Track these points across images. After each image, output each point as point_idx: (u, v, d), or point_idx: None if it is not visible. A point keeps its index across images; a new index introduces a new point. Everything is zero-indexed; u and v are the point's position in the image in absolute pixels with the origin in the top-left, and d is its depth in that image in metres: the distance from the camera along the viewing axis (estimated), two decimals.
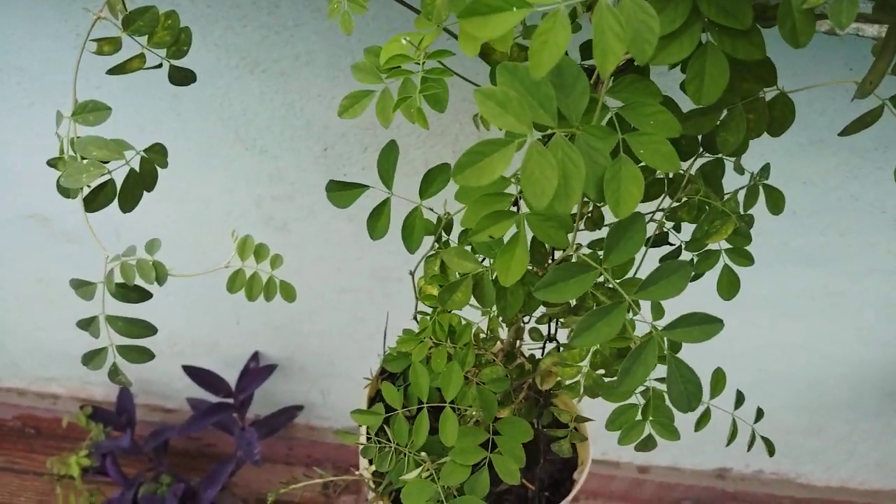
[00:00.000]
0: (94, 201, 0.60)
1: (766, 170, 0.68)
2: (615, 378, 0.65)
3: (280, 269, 0.71)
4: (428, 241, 0.68)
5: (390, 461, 0.71)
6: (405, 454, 0.70)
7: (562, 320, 0.71)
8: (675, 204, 0.64)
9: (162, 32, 0.59)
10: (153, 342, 0.64)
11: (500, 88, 0.37)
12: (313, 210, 1.16)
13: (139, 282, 0.62)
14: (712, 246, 0.65)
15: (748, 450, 0.77)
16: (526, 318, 0.76)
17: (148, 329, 0.65)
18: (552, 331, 0.76)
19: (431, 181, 0.64)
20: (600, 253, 0.52)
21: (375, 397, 0.86)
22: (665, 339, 0.50)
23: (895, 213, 1.08)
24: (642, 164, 0.45)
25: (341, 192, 0.65)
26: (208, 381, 1.47)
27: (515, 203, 0.54)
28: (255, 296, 0.69)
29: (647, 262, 0.63)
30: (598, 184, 0.42)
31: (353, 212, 1.10)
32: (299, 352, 1.48)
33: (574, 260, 0.53)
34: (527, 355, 0.80)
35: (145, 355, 0.66)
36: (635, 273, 0.64)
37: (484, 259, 0.61)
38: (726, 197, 0.65)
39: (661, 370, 0.53)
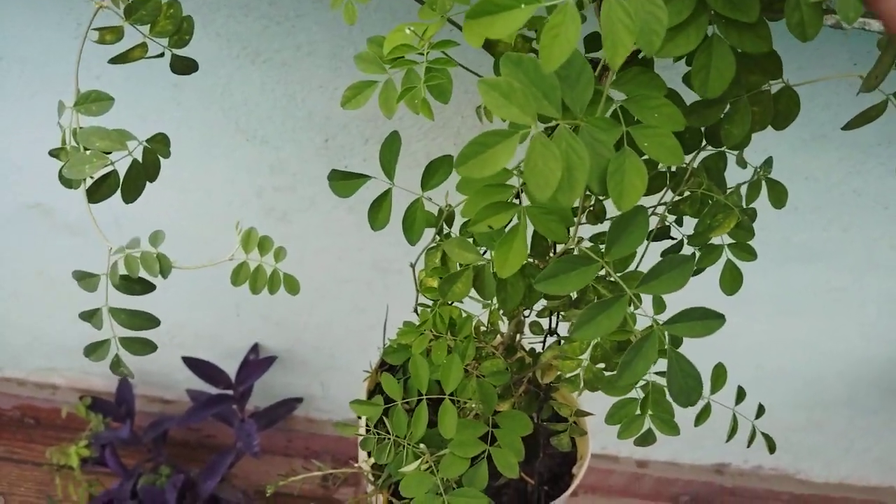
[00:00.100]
0: (97, 192, 0.60)
1: (768, 163, 0.68)
2: (615, 372, 0.65)
3: (282, 262, 0.71)
4: (429, 233, 0.67)
5: (389, 453, 0.71)
6: (404, 446, 0.70)
7: (562, 314, 0.71)
8: (678, 198, 0.64)
9: (164, 21, 0.59)
10: (152, 333, 0.64)
11: (504, 79, 0.37)
12: (314, 201, 1.16)
13: (143, 274, 0.62)
14: (715, 240, 0.65)
15: (748, 446, 0.77)
16: (526, 312, 0.76)
17: (151, 321, 0.65)
18: (553, 324, 0.76)
19: (433, 173, 0.64)
20: (602, 247, 0.52)
21: (375, 390, 0.86)
22: (666, 333, 0.50)
23: None
24: (645, 157, 0.45)
25: (343, 181, 0.65)
26: (208, 372, 1.47)
27: (517, 195, 0.54)
28: (258, 289, 0.69)
29: (649, 256, 0.62)
30: (602, 176, 0.42)
31: (354, 203, 1.09)
32: (299, 344, 1.48)
33: (576, 253, 0.53)
34: (527, 349, 0.80)
35: (148, 347, 0.66)
36: (636, 267, 0.64)
37: (486, 251, 0.61)
38: (729, 191, 0.65)
39: (661, 364, 0.53)
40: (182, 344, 1.49)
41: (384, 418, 0.72)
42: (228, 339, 1.48)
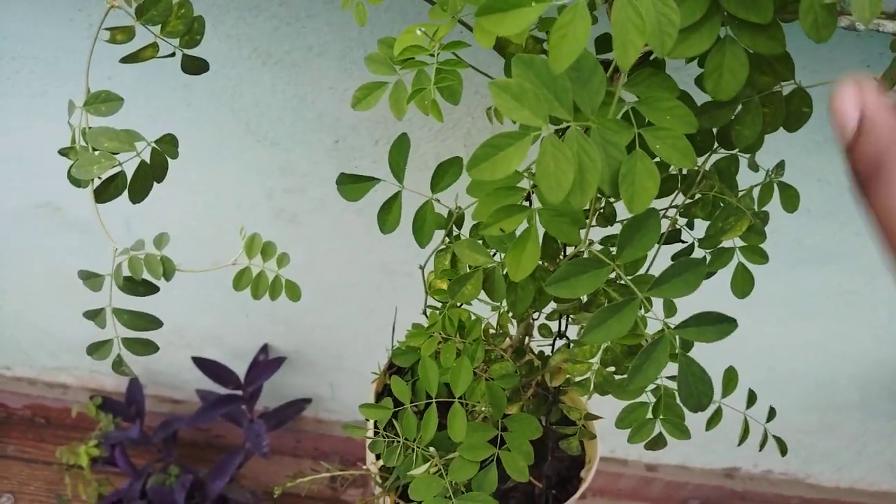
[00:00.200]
0: (105, 192, 0.60)
1: (781, 167, 0.67)
2: (626, 376, 0.65)
3: (290, 263, 0.71)
4: (438, 235, 0.67)
5: (398, 456, 0.71)
6: (413, 449, 0.70)
7: (572, 317, 0.71)
8: (689, 201, 0.64)
9: (175, 21, 0.59)
10: (162, 333, 0.64)
11: (515, 81, 0.36)
12: (324, 202, 1.16)
13: (147, 276, 0.62)
14: (726, 243, 0.64)
15: (760, 450, 0.76)
16: (536, 315, 0.75)
17: (153, 322, 0.65)
18: (562, 327, 0.76)
19: (443, 174, 0.64)
20: (613, 249, 0.52)
21: (382, 392, 0.86)
22: (677, 337, 0.50)
23: None
24: (657, 159, 0.44)
25: (352, 184, 0.65)
26: (217, 372, 1.47)
27: (528, 198, 0.54)
28: (260, 294, 0.69)
29: (660, 259, 0.62)
30: (613, 178, 0.41)
31: (364, 205, 1.09)
32: (308, 345, 1.48)
33: (586, 256, 0.52)
34: (536, 352, 0.80)
35: (150, 348, 0.66)
36: (647, 271, 0.63)
37: (496, 253, 0.61)
38: (741, 194, 0.65)
39: (672, 368, 0.52)
40: (191, 344, 1.50)
41: (393, 421, 0.72)
42: (238, 340, 1.48)
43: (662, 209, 0.65)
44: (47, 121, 1.08)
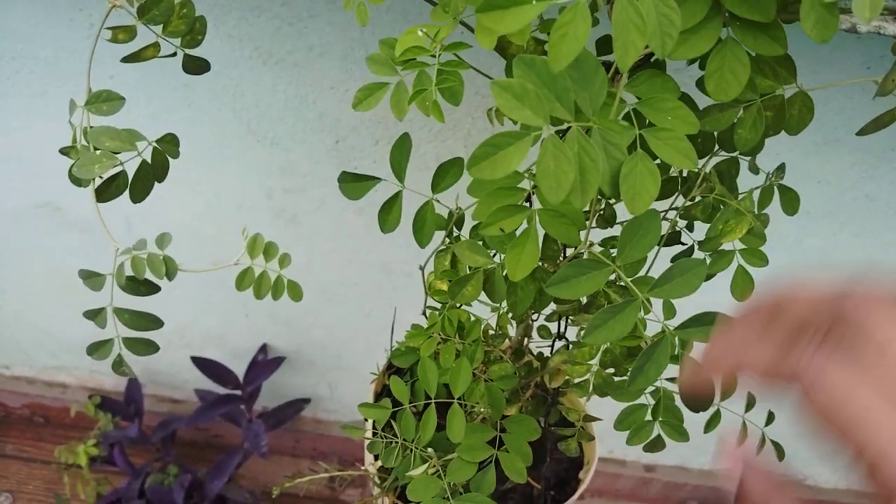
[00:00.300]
0: (106, 192, 0.60)
1: (781, 170, 0.68)
2: (625, 377, 0.65)
3: (287, 268, 0.71)
4: (438, 235, 0.67)
5: (396, 456, 0.71)
6: (412, 450, 0.70)
7: (572, 318, 0.71)
8: (689, 203, 0.64)
9: (177, 21, 0.59)
10: (162, 333, 0.64)
11: (516, 81, 0.36)
12: (324, 202, 1.16)
13: (149, 276, 0.62)
14: (726, 246, 0.64)
15: (757, 454, 0.76)
16: (535, 316, 0.75)
17: (154, 322, 0.65)
18: (561, 328, 0.76)
19: (444, 175, 0.64)
20: (613, 251, 0.52)
21: (382, 392, 0.86)
22: (677, 338, 0.50)
23: None
24: (657, 160, 0.44)
25: (353, 183, 0.65)
26: (216, 372, 1.47)
27: (528, 198, 0.54)
28: (262, 294, 0.69)
29: (659, 262, 0.62)
30: (614, 179, 0.42)
31: (364, 205, 1.09)
32: (307, 345, 1.48)
33: (586, 257, 0.52)
34: (535, 353, 0.80)
35: (150, 348, 0.66)
36: (647, 273, 0.63)
37: (496, 254, 0.61)
38: (741, 196, 0.65)
39: (670, 370, 0.52)
40: (191, 344, 1.50)
41: (392, 421, 0.72)
42: (237, 340, 1.48)
43: (663, 211, 0.65)
44: (47, 121, 1.08)
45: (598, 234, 0.63)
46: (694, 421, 0.61)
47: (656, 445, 0.66)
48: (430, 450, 0.70)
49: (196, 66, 0.64)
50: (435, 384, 0.70)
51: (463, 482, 0.68)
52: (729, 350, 0.36)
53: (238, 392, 1.48)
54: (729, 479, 0.40)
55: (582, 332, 0.66)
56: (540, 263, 0.62)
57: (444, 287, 0.69)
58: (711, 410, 0.69)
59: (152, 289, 0.64)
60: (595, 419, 0.80)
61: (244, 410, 1.49)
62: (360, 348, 1.45)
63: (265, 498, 1.60)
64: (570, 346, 0.74)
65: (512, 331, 0.78)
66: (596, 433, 0.84)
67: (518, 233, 0.50)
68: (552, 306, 0.68)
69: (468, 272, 0.62)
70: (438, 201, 0.65)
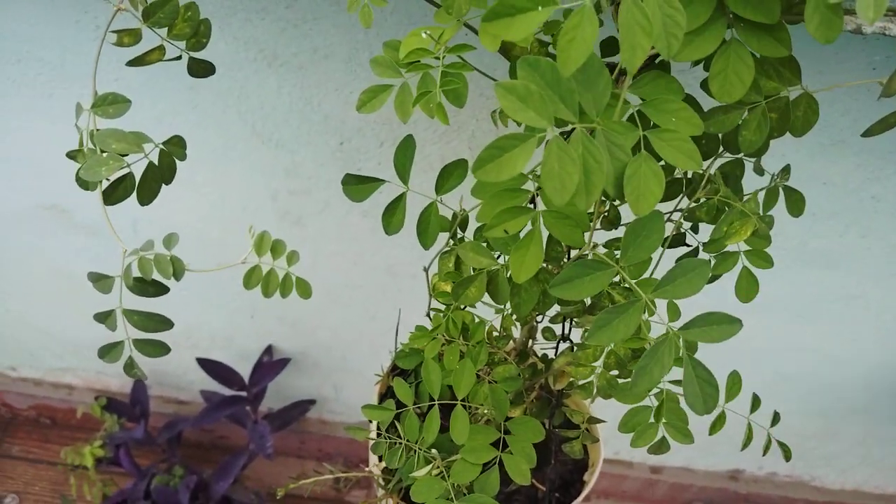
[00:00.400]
0: (113, 194, 0.61)
1: (786, 171, 0.67)
2: (629, 379, 0.65)
3: (295, 265, 0.71)
4: (442, 237, 0.67)
5: (400, 458, 0.71)
6: (415, 451, 0.70)
7: (576, 320, 0.71)
8: (694, 204, 0.64)
9: (182, 24, 0.59)
10: (167, 335, 0.64)
11: (520, 82, 0.36)
12: (329, 204, 1.16)
13: (156, 276, 0.62)
14: (731, 247, 0.64)
15: (763, 454, 0.76)
16: (539, 318, 0.75)
17: (164, 323, 0.65)
18: (565, 330, 0.76)
19: (448, 176, 0.64)
20: (617, 252, 0.52)
21: (386, 394, 0.86)
22: (681, 338, 0.50)
23: None
24: (662, 162, 0.44)
25: (357, 185, 0.65)
26: (222, 373, 1.47)
27: (532, 200, 0.54)
28: (271, 292, 0.69)
29: (664, 263, 0.62)
30: (618, 180, 0.42)
31: (369, 207, 1.09)
32: (312, 346, 1.48)
33: (590, 258, 0.52)
34: (539, 355, 0.80)
35: (161, 349, 0.66)
36: (651, 275, 0.63)
37: (499, 256, 0.61)
38: (746, 198, 0.65)
39: (674, 373, 0.52)
40: (196, 345, 1.50)
41: (396, 423, 0.72)
42: (242, 341, 1.48)
43: (667, 213, 0.65)
44: (53, 123, 1.08)
45: (603, 236, 0.63)
46: (699, 422, 0.61)
47: (661, 447, 0.66)
48: (433, 451, 0.70)
49: (201, 70, 0.64)
50: (438, 386, 0.70)
51: (467, 483, 0.68)
52: None
53: (243, 393, 1.48)
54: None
55: (586, 334, 0.66)
56: (544, 265, 0.62)
57: (448, 289, 0.69)
58: (716, 412, 0.68)
59: (160, 289, 0.64)
60: (599, 421, 0.80)
61: (250, 412, 1.49)
62: (365, 350, 1.45)
63: (270, 499, 1.60)
64: (575, 347, 0.74)
65: (516, 332, 0.78)
66: (601, 435, 0.84)
67: (522, 234, 0.50)
68: (556, 308, 0.68)
69: (472, 274, 0.62)
70: (442, 203, 0.65)
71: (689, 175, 0.64)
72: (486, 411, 0.71)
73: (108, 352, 0.65)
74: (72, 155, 0.60)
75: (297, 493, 0.83)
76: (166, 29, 0.59)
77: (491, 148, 0.38)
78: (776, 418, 0.75)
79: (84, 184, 0.59)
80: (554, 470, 0.84)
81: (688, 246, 0.69)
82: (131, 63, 0.60)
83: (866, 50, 0.85)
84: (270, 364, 1.47)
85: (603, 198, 0.57)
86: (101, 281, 0.64)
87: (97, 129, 0.59)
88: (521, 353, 0.77)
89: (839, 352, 1.34)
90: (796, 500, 1.69)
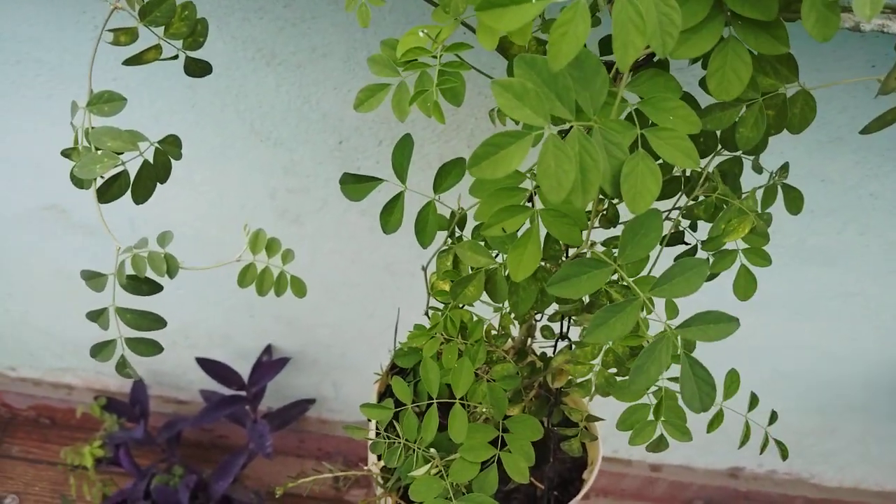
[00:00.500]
0: (108, 192, 0.60)
1: (785, 169, 0.67)
2: (627, 377, 0.65)
3: (293, 263, 0.71)
4: (441, 236, 0.67)
5: (399, 457, 0.71)
6: (414, 450, 0.70)
7: (574, 318, 0.71)
8: (692, 202, 0.64)
9: (178, 23, 0.59)
10: (166, 334, 0.64)
11: (517, 80, 0.36)
12: (327, 203, 1.16)
13: (150, 274, 0.62)
14: (729, 245, 0.64)
15: (761, 452, 0.76)
16: (538, 316, 0.75)
17: (157, 322, 0.64)
18: (564, 329, 0.76)
19: (446, 175, 0.64)
20: (615, 251, 0.52)
21: (385, 393, 0.86)
22: (679, 337, 0.50)
23: None
24: (659, 160, 0.44)
25: (355, 184, 0.65)
26: (221, 373, 1.47)
27: (530, 199, 0.54)
28: (265, 291, 0.69)
29: (662, 261, 0.62)
30: (615, 179, 0.41)
31: (367, 205, 1.09)
32: (312, 345, 1.48)
33: (588, 256, 0.52)
34: (538, 353, 0.80)
35: (154, 348, 0.65)
36: (649, 273, 0.63)
37: (497, 254, 0.61)
38: (744, 195, 0.65)
39: (673, 370, 0.52)
40: (195, 345, 1.50)
41: (394, 422, 0.72)
42: (242, 340, 1.48)
43: (666, 211, 0.65)
44: (52, 123, 1.08)
45: (602, 235, 0.63)
46: (698, 420, 0.61)
47: (659, 445, 0.66)
48: (432, 450, 0.70)
49: (198, 69, 0.64)
50: (437, 384, 0.70)
51: (465, 482, 0.68)
52: None
53: (243, 393, 1.48)
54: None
55: (584, 332, 0.66)
56: (542, 264, 0.62)
57: (447, 287, 0.69)
58: (713, 410, 0.68)
59: (154, 287, 0.63)
60: (598, 419, 0.80)
61: (249, 411, 1.49)
62: (364, 348, 1.45)
63: (270, 498, 1.60)
64: (573, 346, 0.74)
65: (515, 331, 0.78)
66: (600, 433, 0.84)
67: (520, 233, 0.50)
68: (555, 306, 0.68)
69: (470, 272, 0.62)
70: (441, 201, 0.65)
71: (688, 173, 0.64)
72: (484, 410, 0.71)
73: (101, 350, 0.65)
74: (67, 153, 0.60)
75: (297, 492, 0.83)
76: (163, 28, 0.59)
77: (486, 145, 0.38)
78: (773, 417, 0.75)
79: (78, 182, 0.59)
80: (553, 468, 0.84)
81: (686, 244, 0.69)
82: (127, 62, 0.60)
83: (864, 47, 0.85)
84: (270, 363, 1.47)
85: (601, 196, 0.57)
86: (94, 279, 0.63)
87: (92, 128, 0.58)
88: (520, 352, 0.77)
89: (837, 349, 1.34)
90: (795, 497, 1.69)
